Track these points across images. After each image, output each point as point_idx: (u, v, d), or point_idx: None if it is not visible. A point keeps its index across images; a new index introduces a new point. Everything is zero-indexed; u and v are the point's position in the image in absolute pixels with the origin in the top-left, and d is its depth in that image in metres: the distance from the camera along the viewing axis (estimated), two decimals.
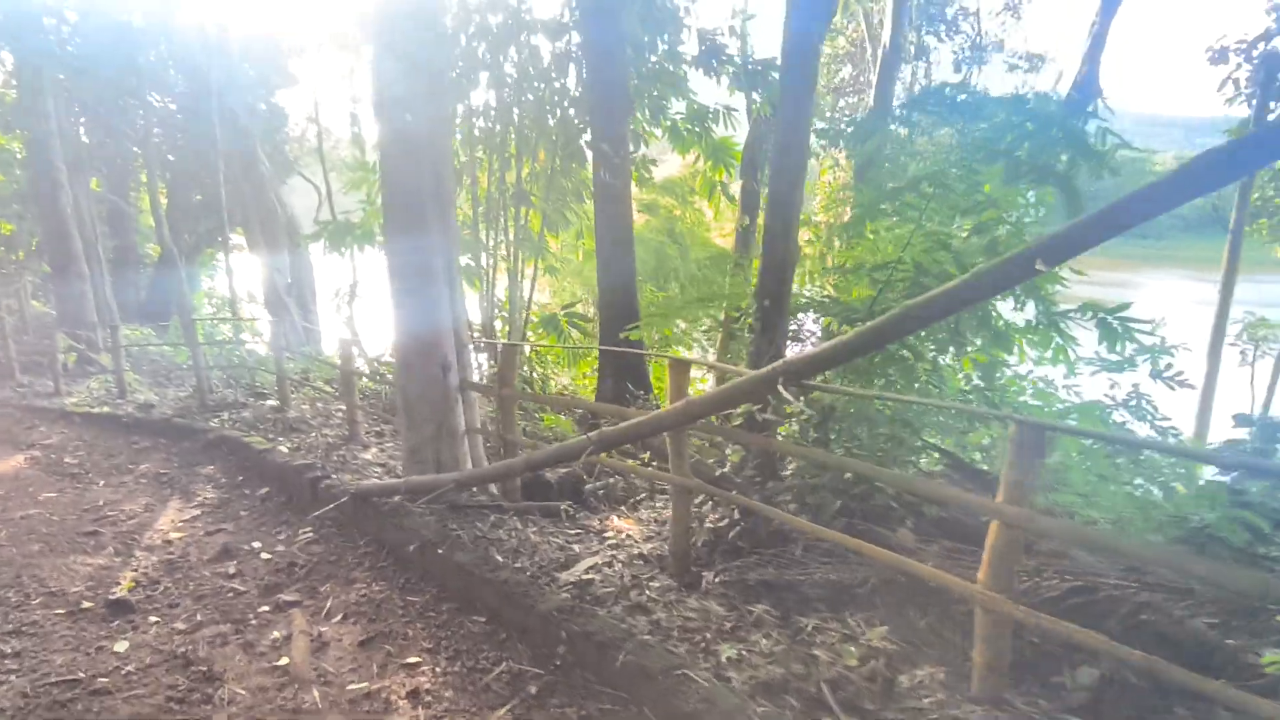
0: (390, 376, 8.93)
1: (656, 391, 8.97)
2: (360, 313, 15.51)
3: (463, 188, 9.52)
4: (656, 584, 3.83)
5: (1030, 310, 5.17)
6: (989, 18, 15.58)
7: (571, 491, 5.65)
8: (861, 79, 16.07)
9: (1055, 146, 3.97)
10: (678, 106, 10.72)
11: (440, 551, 4.04)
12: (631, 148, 9.21)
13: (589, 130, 9.22)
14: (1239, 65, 12.62)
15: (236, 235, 18.25)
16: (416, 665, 3.25)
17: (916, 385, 4.91)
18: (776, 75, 10.49)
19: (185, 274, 17.47)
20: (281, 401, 8.41)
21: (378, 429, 7.73)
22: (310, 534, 4.85)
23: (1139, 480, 5.54)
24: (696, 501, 4.25)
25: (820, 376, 3.23)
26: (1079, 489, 4.07)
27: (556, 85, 9.97)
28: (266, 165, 17.17)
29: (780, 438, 4.16)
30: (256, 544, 4.76)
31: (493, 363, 9.66)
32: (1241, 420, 4.36)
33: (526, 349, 9.84)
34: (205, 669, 3.23)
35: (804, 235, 9.10)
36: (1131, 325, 5.04)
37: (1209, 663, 2.53)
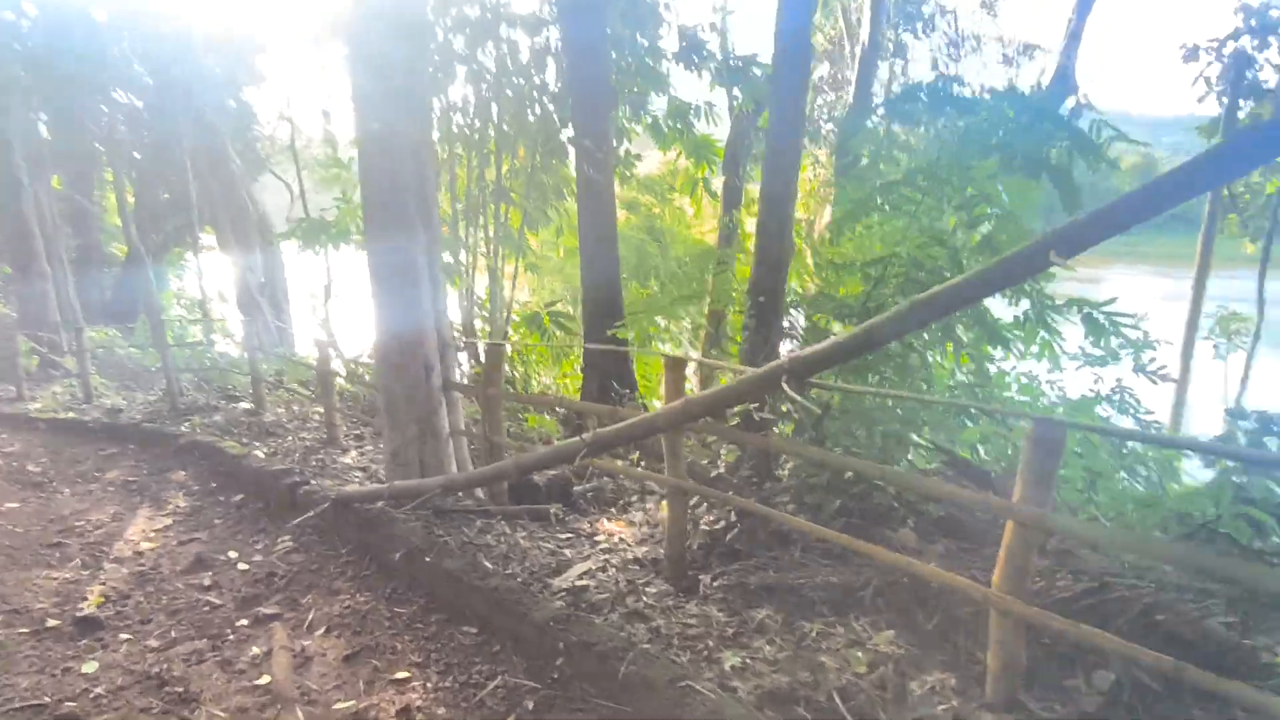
0: (369, 378, 8.74)
1: (642, 390, 8.87)
2: (336, 312, 15.22)
3: (441, 184, 9.33)
4: (653, 589, 3.71)
5: (1019, 306, 5.15)
6: (965, 16, 15.68)
7: (560, 494, 5.52)
8: (840, 76, 16.09)
9: (1051, 139, 3.91)
10: (659, 103, 10.64)
11: (427, 559, 3.89)
12: (614, 143, 9.09)
13: (570, 126, 9.09)
14: (1210, 63, 12.81)
15: (206, 234, 17.81)
16: (406, 681, 3.10)
17: (908, 382, 4.87)
18: (758, 71, 10.45)
19: (153, 274, 16.99)
20: (256, 404, 8.17)
21: (357, 432, 7.53)
22: (290, 542, 4.68)
23: (1122, 474, 5.55)
24: (691, 503, 4.15)
25: (820, 375, 3.15)
26: (1076, 485, 4.04)
27: (536, 81, 9.83)
28: (237, 163, 16.76)
29: (775, 437, 4.07)
30: (233, 554, 4.57)
31: (474, 362, 9.50)
32: (1236, 414, 4.34)
33: (517, 351, 9.69)
34: (180, 689, 3.06)
35: None
36: (1117, 320, 5.04)
37: (1225, 663, 2.47)
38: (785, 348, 5.39)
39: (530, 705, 2.89)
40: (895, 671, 2.79)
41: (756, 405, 3.93)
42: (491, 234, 9.81)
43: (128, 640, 3.51)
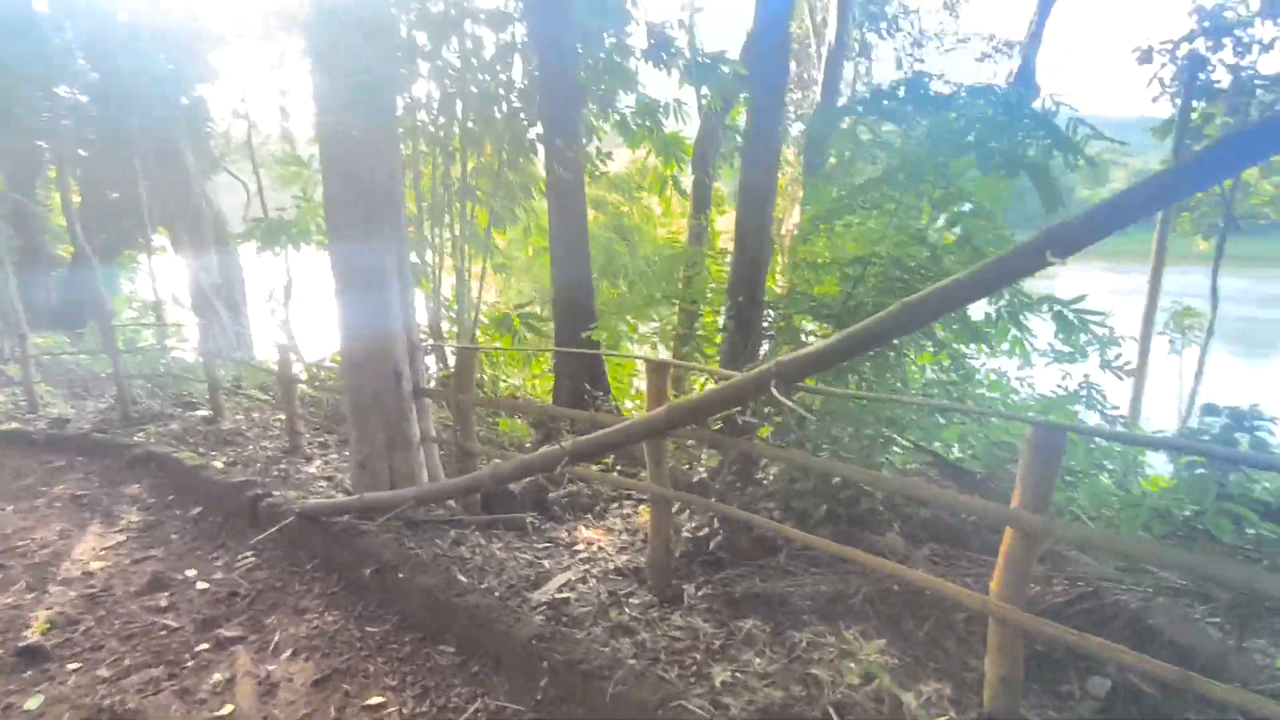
0: (333, 382, 8.46)
1: (614, 393, 8.75)
2: (297, 315, 14.79)
3: (405, 182, 9.10)
4: (636, 600, 3.60)
5: (997, 303, 5.16)
6: (929, 15, 15.86)
7: (535, 501, 5.37)
8: (806, 76, 16.14)
9: (1030, 136, 3.89)
10: (627, 100, 10.52)
11: (400, 575, 3.73)
12: (584, 140, 8.95)
13: (538, 124, 8.93)
14: (1164, 65, 13.11)
15: (159, 235, 17.19)
16: (380, 707, 2.94)
17: (886, 382, 4.83)
18: (727, 69, 10.39)
19: (102, 276, 16.34)
20: (214, 412, 7.85)
21: (321, 439, 7.28)
22: (252, 559, 4.46)
23: (1100, 473, 5.60)
24: (674, 510, 4.04)
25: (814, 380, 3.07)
26: (1057, 485, 4.03)
27: (502, 78, 9.65)
28: (190, 161, 16.21)
29: (761, 442, 3.99)
30: (191, 572, 4.34)
31: (442, 366, 9.29)
32: (1209, 410, 4.38)
33: (484, 353, 9.48)
34: None
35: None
36: (1086, 317, 5.08)
37: (1220, 666, 2.46)
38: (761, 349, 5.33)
39: None
40: (890, 682, 2.73)
41: (739, 409, 3.84)
42: (458, 233, 9.60)
43: (76, 670, 3.29)
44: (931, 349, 5.70)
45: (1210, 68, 13.10)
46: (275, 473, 5.92)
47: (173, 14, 15.94)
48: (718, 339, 7.20)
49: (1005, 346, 5.40)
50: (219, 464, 6.06)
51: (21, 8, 13.47)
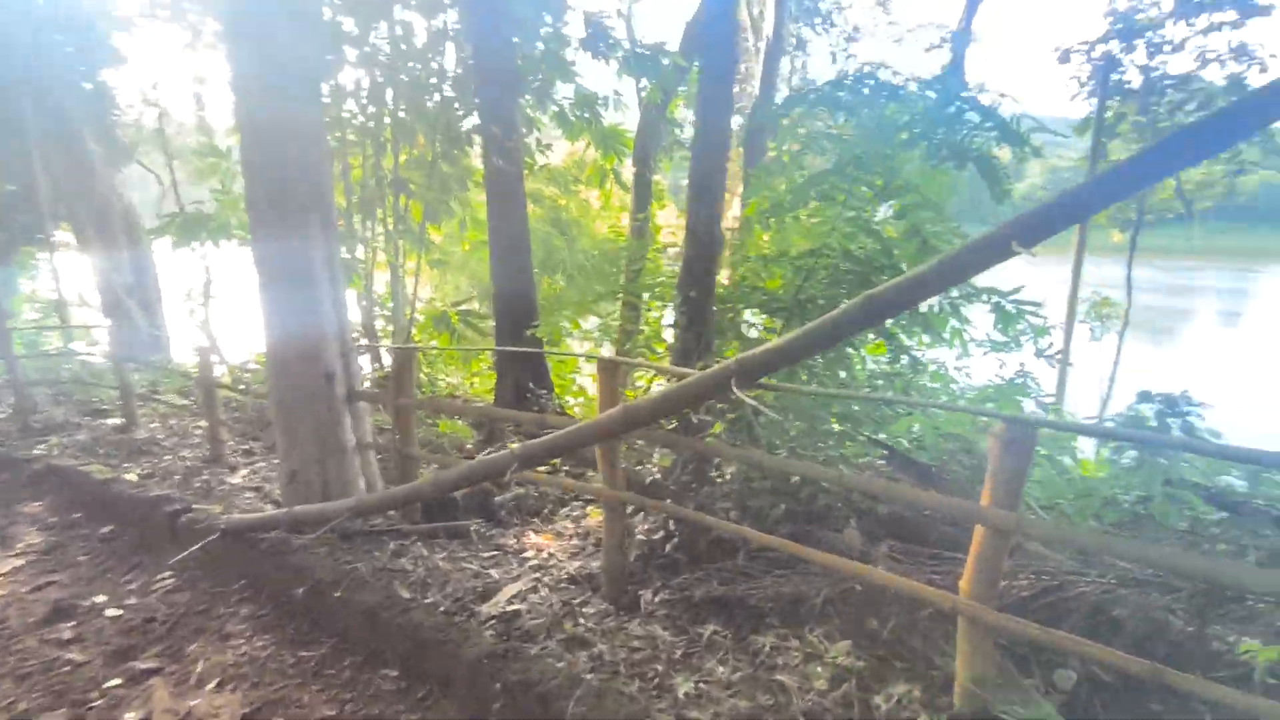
0: (259, 385, 7.99)
1: (558, 391, 8.55)
2: (218, 315, 14.00)
3: (334, 175, 8.67)
4: (591, 609, 3.45)
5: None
6: (861, 11, 16.10)
7: (479, 506, 5.15)
8: (745, 69, 16.18)
9: (978, 129, 3.90)
10: (565, 91, 10.30)
11: (336, 593, 3.47)
12: (523, 131, 8.70)
13: (474, 114, 8.64)
14: (1081, 65, 13.64)
15: (63, 231, 16.00)
16: None
17: (835, 375, 4.80)
18: (667, 61, 10.29)
19: None
20: (127, 420, 7.30)
21: (246, 447, 6.84)
22: (171, 580, 4.11)
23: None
24: (628, 511, 3.90)
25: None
26: None
27: (434, 66, 9.31)
28: (96, 151, 15.13)
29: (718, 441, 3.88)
30: (100, 598, 3.96)
31: (377, 367, 8.91)
32: (1143, 397, 4.50)
33: (421, 352, 9.13)
34: None
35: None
36: (1024, 308, 5.17)
37: (1182, 655, 2.47)
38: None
39: None
40: (858, 686, 2.66)
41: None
42: (391, 228, 9.21)
43: None
44: (877, 341, 5.71)
45: (1123, 69, 13.71)
46: (196, 485, 5.52)
47: None
48: (660, 336, 7.10)
49: (945, 336, 5.48)
50: (133, 477, 5.61)
51: None
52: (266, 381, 4.90)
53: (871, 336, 5.14)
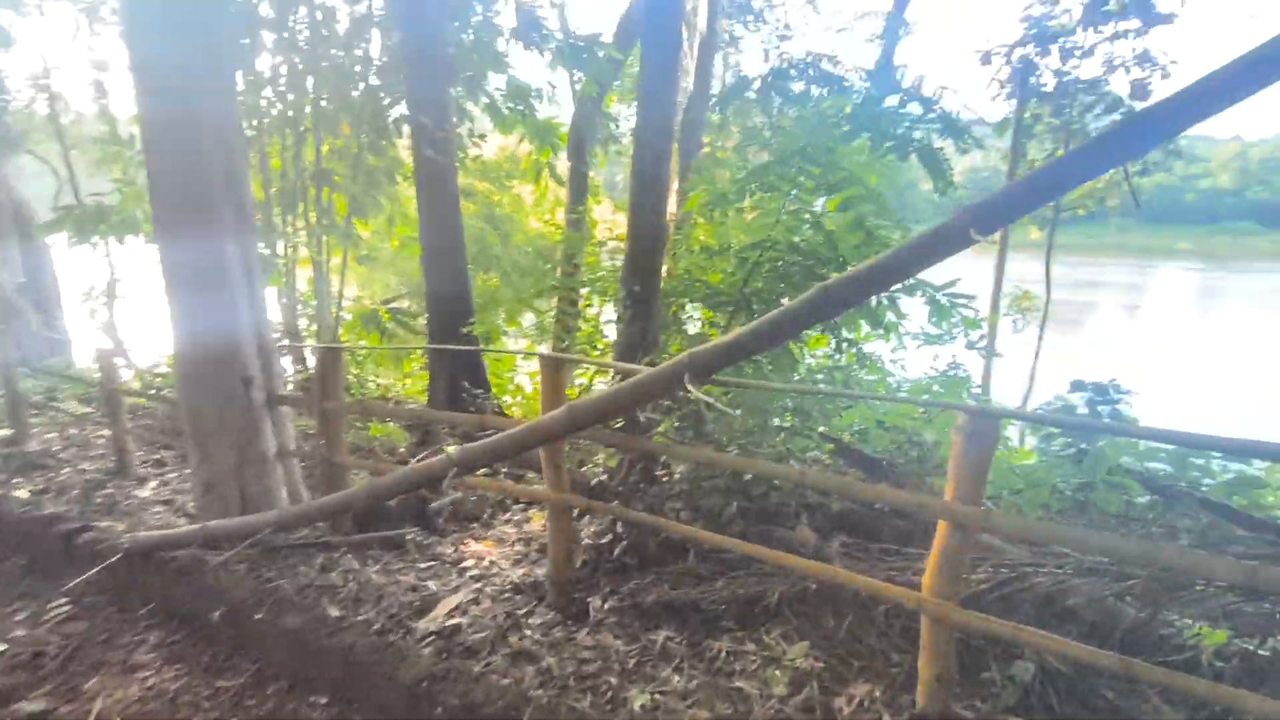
0: (170, 390, 7.44)
1: (495, 390, 8.30)
2: (124, 316, 13.06)
3: (251, 165, 8.18)
4: (537, 619, 3.28)
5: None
6: (793, 10, 16.31)
7: (414, 514, 4.88)
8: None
9: (921, 122, 3.90)
10: (499, 82, 10.02)
11: (258, 615, 3.19)
12: (455, 121, 8.39)
13: (403, 103, 8.29)
14: (1001, 67, 14.16)
15: None
16: None
17: (789, 370, 4.76)
18: (602, 53, 10.12)
19: None
20: (17, 431, 6.65)
21: (157, 456, 6.34)
22: (66, 608, 3.71)
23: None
24: (574, 514, 3.74)
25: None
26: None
27: (358, 53, 8.90)
28: None
29: (668, 441, 3.76)
30: None
31: (300, 367, 8.45)
32: (1076, 386, 4.63)
33: (349, 352, 8.70)
34: None
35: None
36: (958, 302, 5.26)
37: (1136, 641, 2.48)
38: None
39: None
40: (819, 689, 2.58)
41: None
42: (314, 223, 8.76)
43: None
44: (819, 334, 5.70)
45: (1038, 71, 14.31)
46: (98, 501, 5.05)
47: None
48: (600, 332, 6.97)
49: (883, 330, 5.53)
50: (22, 494, 5.10)
51: None
52: (177, 387, 4.52)
53: (812, 330, 5.13)
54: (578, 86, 11.72)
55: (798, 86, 3.80)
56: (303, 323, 9.32)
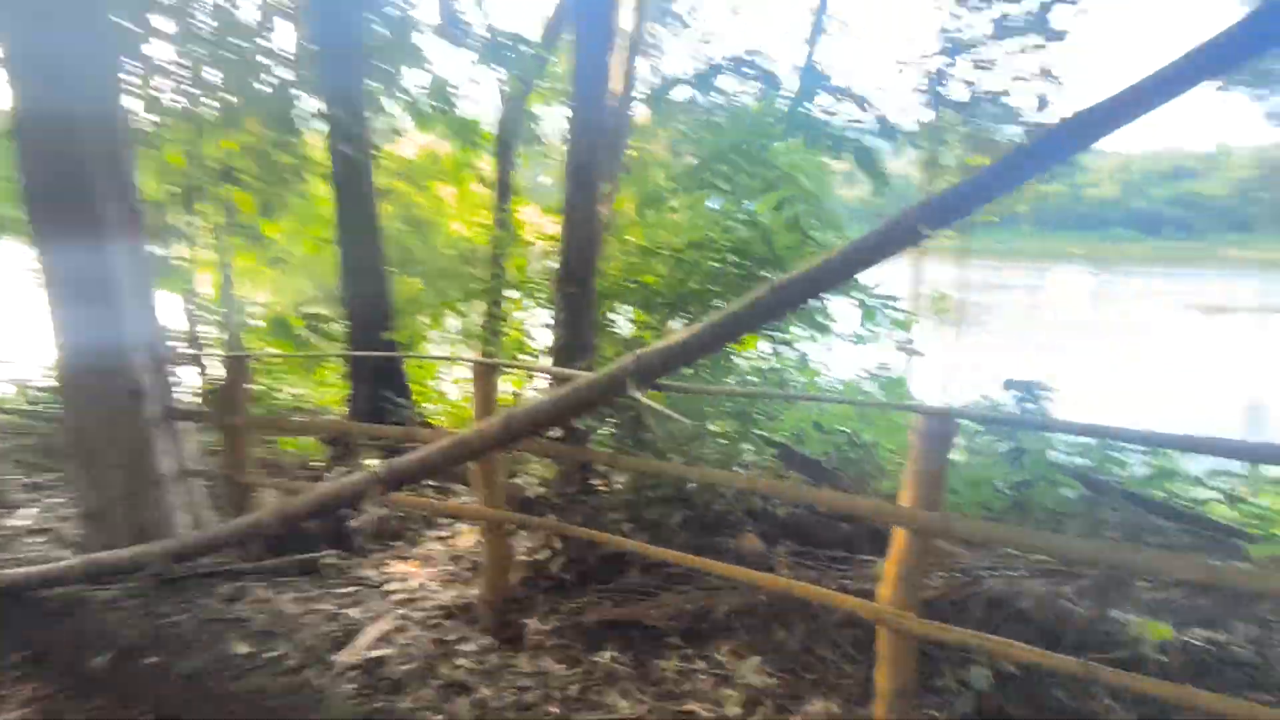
0: (54, 409, 6.77)
1: (417, 399, 7.93)
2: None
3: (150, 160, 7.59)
4: (470, 645, 3.05)
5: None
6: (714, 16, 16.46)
7: (332, 534, 4.53)
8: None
9: (853, 121, 3.89)
10: (420, 79, 9.65)
11: (151, 658, 2.84)
12: (370, 116, 8.01)
13: (316, 97, 7.84)
14: (918, 77, 14.70)
15: None
16: None
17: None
18: (528, 50, 9.89)
19: None
20: None
21: (35, 480, 5.72)
22: None
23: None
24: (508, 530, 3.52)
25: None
26: (891, 468, 4.09)
27: (264, 45, 8.39)
28: None
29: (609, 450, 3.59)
30: None
31: (205, 379, 7.87)
32: (1010, 384, 4.72)
33: (258, 360, 8.15)
34: None
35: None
36: (886, 303, 5.32)
37: (1085, 638, 2.48)
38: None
39: None
40: (774, 708, 2.47)
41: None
42: (218, 223, 8.19)
43: None
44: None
45: (947, 82, 14.94)
46: None
47: None
48: (530, 336, 6.74)
49: (815, 331, 5.54)
50: None
51: None
52: (60, 402, 4.06)
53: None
54: (506, 88, 11.45)
55: (728, 82, 3.72)
56: (207, 330, 8.70)
